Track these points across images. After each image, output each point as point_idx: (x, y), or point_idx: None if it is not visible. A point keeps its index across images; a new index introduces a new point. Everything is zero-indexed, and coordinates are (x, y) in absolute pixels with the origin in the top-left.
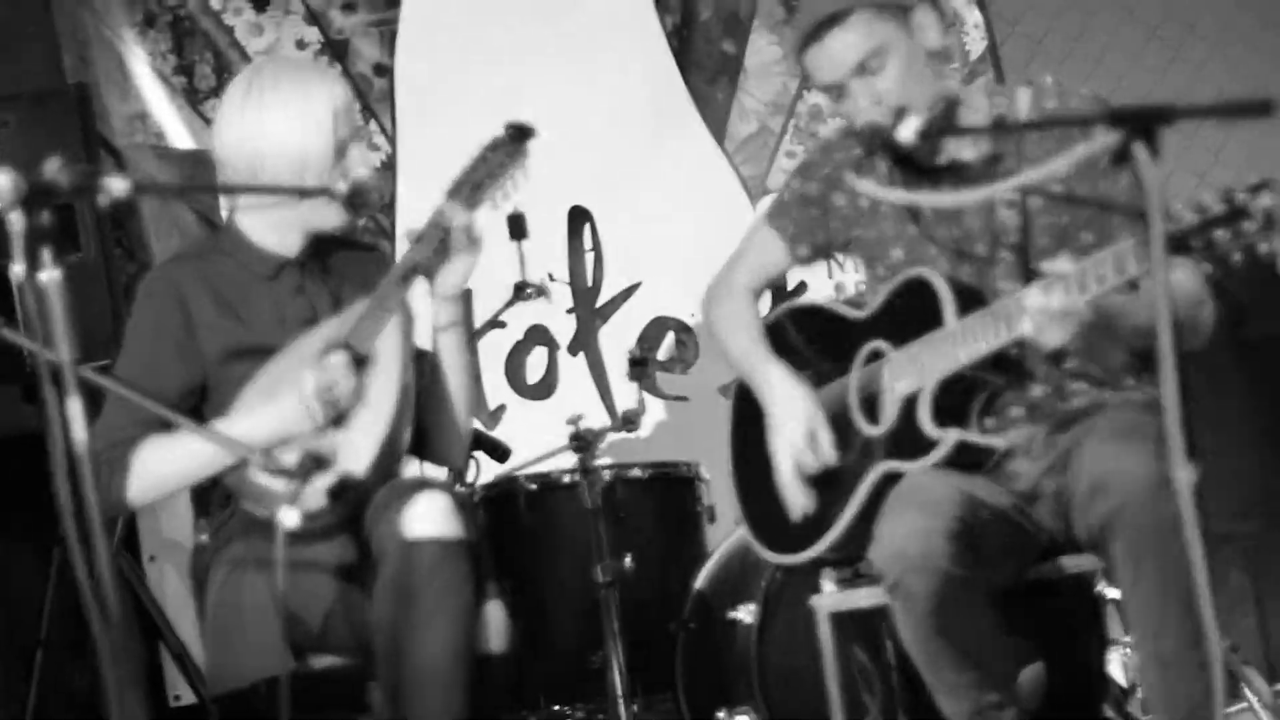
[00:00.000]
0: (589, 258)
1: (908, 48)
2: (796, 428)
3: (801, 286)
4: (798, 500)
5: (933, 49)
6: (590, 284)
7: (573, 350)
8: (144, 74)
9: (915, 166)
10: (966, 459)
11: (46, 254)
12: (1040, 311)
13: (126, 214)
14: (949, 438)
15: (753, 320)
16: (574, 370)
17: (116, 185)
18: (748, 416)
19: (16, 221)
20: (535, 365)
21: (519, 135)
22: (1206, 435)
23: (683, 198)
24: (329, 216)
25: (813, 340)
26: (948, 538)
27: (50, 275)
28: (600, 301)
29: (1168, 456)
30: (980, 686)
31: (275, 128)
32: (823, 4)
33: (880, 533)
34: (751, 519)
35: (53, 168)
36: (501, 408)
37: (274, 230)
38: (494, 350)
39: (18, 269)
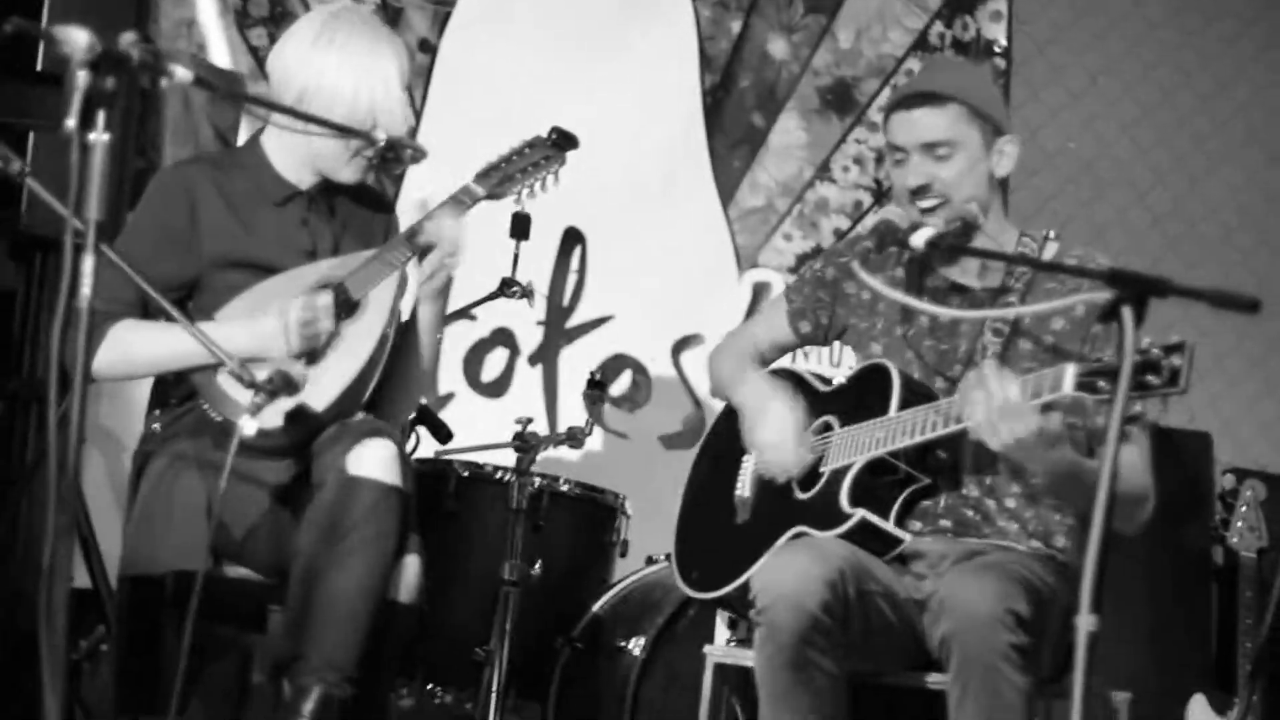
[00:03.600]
0: (572, 279)
1: (979, 157)
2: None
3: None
4: (788, 468)
5: (998, 175)
6: (566, 304)
7: (533, 361)
8: None
9: (923, 278)
10: (871, 542)
11: (101, 117)
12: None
13: (148, 112)
14: (856, 514)
15: (746, 356)
16: (528, 380)
17: (181, 72)
18: (715, 452)
19: (82, 80)
20: (493, 364)
21: (562, 141)
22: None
23: (675, 249)
24: (344, 172)
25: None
26: (825, 584)
27: (100, 137)
28: (571, 323)
29: (1016, 596)
30: None
31: (338, 72)
32: (946, 77)
33: (766, 563)
34: (678, 550)
35: (128, 40)
36: (450, 395)
37: (294, 161)
38: (458, 341)
39: (70, 123)
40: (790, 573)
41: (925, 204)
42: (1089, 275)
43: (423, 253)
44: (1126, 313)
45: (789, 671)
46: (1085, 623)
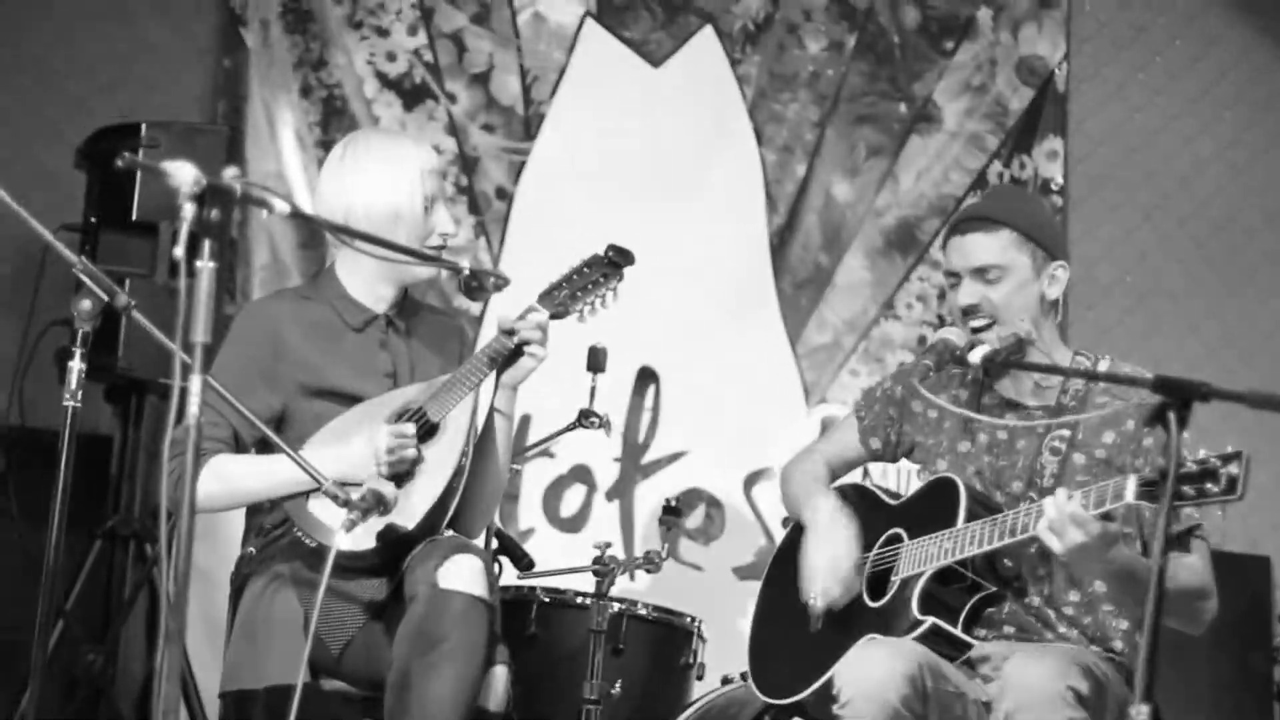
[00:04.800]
0: (646, 416)
1: (1028, 281)
2: (835, 552)
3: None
4: (831, 593)
5: (1050, 299)
6: (641, 441)
7: (610, 497)
8: (288, 138)
9: (981, 397)
10: (941, 647)
11: (206, 246)
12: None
13: (238, 261)
14: (927, 621)
15: (818, 476)
16: (606, 514)
17: (280, 204)
18: (787, 564)
19: (188, 211)
20: (571, 500)
21: (618, 258)
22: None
23: (746, 385)
24: (418, 270)
25: (854, 514)
26: (905, 678)
27: (205, 265)
28: (646, 459)
29: (1075, 675)
30: None
31: (366, 184)
32: (1001, 204)
33: (849, 656)
34: (753, 659)
35: (231, 174)
36: (531, 530)
37: (368, 283)
38: (537, 477)
39: (178, 251)
40: (872, 667)
41: (975, 324)
42: (1136, 384)
43: (510, 358)
44: (1172, 417)
45: None
46: (1140, 713)
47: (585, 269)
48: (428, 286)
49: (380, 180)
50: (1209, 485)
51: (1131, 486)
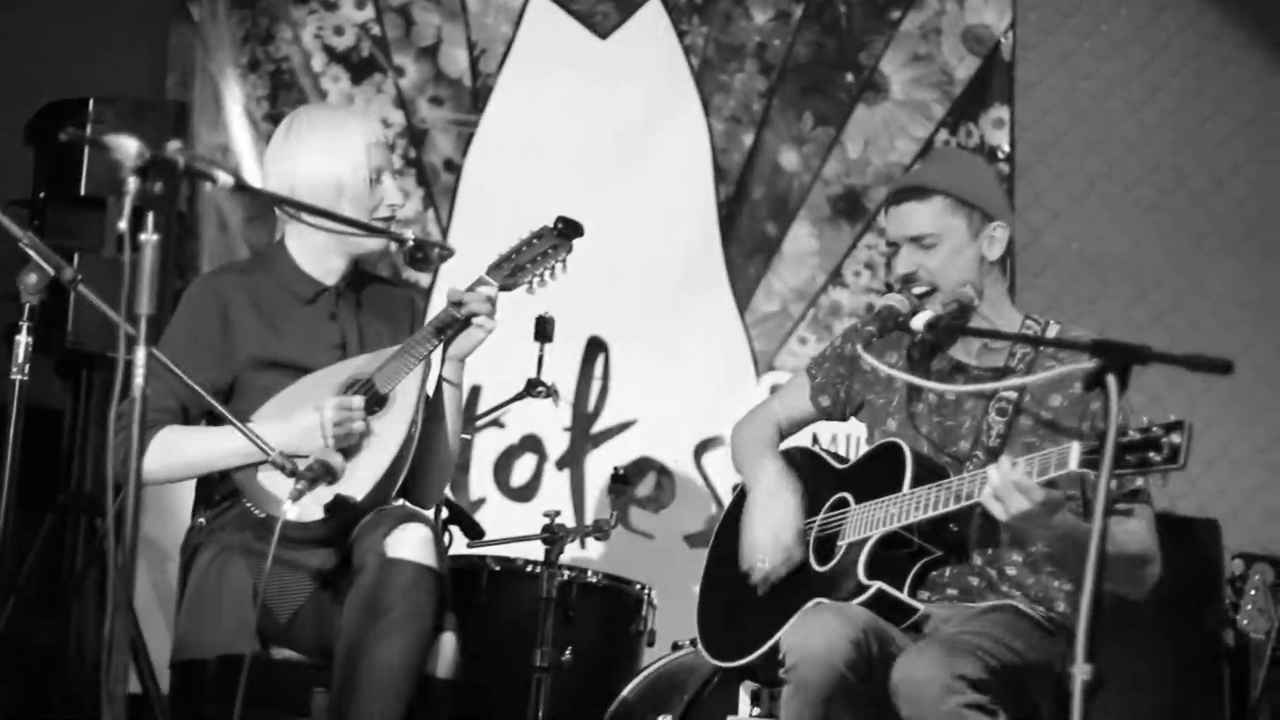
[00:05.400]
0: (596, 386)
1: (965, 244)
2: (779, 511)
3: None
4: (773, 562)
5: (990, 260)
6: (591, 410)
7: (560, 466)
8: (236, 112)
9: (928, 359)
10: (887, 612)
11: (150, 219)
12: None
13: (186, 236)
14: (873, 586)
15: (766, 438)
16: (557, 483)
17: (224, 177)
18: (734, 529)
19: (132, 184)
20: (522, 470)
21: (567, 230)
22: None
23: (695, 354)
24: (368, 242)
25: (801, 479)
26: (852, 643)
27: (149, 238)
28: (596, 428)
29: (962, 662)
30: None
31: (311, 159)
32: (934, 170)
33: (794, 621)
34: (702, 623)
35: (174, 147)
36: (482, 500)
37: (318, 256)
38: (488, 448)
39: (121, 225)
40: (818, 632)
41: (916, 291)
42: (1074, 347)
43: (456, 331)
44: (1111, 380)
45: None
46: (1080, 671)
47: (534, 241)
48: (379, 259)
49: (323, 153)
50: (1151, 454)
51: (1075, 455)
